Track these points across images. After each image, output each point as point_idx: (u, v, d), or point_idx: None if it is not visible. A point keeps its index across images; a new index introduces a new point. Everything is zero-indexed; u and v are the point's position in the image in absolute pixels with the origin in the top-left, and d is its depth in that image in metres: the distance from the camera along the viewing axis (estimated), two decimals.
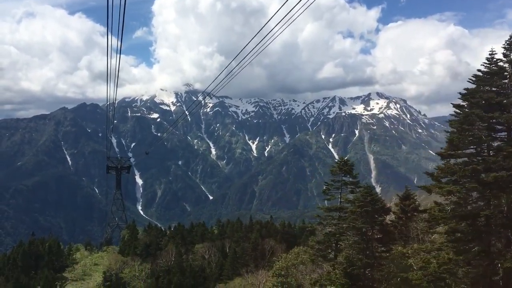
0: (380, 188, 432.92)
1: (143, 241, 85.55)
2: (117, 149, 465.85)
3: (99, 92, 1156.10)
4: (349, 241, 32.17)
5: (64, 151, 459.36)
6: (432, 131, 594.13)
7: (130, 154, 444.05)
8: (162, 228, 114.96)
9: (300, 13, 15.91)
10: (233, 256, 69.57)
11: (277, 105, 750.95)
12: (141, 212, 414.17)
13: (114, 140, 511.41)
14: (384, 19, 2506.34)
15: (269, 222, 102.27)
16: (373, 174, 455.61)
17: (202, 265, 70.84)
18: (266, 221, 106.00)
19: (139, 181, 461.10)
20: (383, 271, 29.36)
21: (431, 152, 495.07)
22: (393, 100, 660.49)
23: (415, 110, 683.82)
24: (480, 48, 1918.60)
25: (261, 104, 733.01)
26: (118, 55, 18.48)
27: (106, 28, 15.15)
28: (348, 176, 39.35)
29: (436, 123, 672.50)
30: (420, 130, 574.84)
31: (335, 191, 39.78)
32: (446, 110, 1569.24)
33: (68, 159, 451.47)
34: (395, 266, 30.35)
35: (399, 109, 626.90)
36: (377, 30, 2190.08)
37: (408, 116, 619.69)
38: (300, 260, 46.53)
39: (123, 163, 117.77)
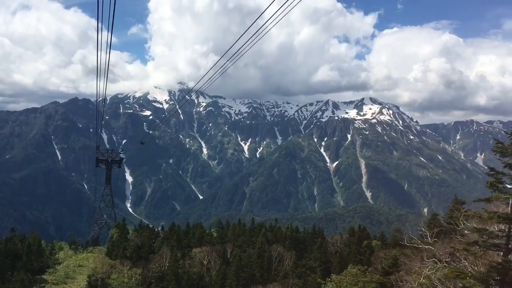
0: (370, 193, 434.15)
1: (133, 242, 77.88)
2: (108, 145, 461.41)
3: (92, 87, 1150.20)
4: None
5: (54, 145, 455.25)
6: (424, 138, 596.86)
7: (121, 155, 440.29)
8: (154, 227, 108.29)
9: (290, 10, 15.75)
10: (238, 264, 62.25)
11: (270, 106, 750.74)
12: (130, 210, 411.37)
13: (105, 136, 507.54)
14: (381, 25, 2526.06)
15: (275, 226, 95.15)
16: (364, 179, 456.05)
17: (200, 272, 64.52)
18: (270, 224, 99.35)
19: (129, 178, 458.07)
20: None
21: (422, 159, 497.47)
22: (386, 106, 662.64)
23: (407, 116, 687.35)
24: (474, 58, 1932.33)
25: (255, 105, 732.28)
26: (108, 49, 18.52)
27: (97, 21, 15.06)
28: None
29: (428, 130, 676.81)
30: (411, 137, 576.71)
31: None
32: (438, 117, 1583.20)
33: (58, 153, 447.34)
34: None
35: (391, 115, 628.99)
36: (373, 36, 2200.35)
37: (401, 122, 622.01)
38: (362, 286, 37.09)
39: (114, 156, 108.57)
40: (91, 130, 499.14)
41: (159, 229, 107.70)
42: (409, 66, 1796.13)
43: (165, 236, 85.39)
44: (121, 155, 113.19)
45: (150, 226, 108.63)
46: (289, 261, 65.47)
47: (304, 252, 73.26)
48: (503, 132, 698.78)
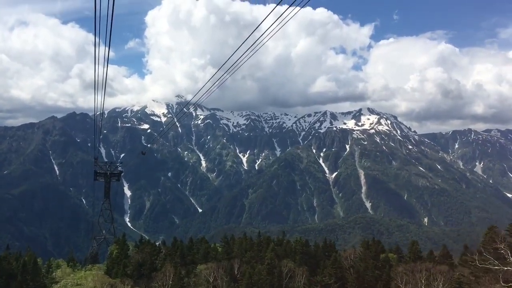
0: (370, 203, 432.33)
1: (134, 259, 74.18)
2: (106, 160, 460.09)
3: (90, 102, 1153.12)
4: None
5: (52, 160, 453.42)
6: (422, 147, 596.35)
7: (119, 168, 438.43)
8: (154, 242, 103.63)
9: (285, 22, 16.23)
10: (247, 282, 59.05)
11: (268, 118, 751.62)
12: (129, 224, 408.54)
13: (103, 150, 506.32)
14: (377, 36, 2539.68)
15: (283, 239, 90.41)
16: (363, 189, 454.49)
17: None
18: (277, 237, 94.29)
19: (128, 192, 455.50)
20: None
21: (421, 168, 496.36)
22: (384, 116, 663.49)
23: (405, 126, 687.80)
24: (470, 67, 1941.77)
25: (253, 117, 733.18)
26: (106, 63, 18.73)
27: (94, 36, 15.44)
28: None
29: (426, 140, 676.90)
30: (410, 147, 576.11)
31: None
32: (436, 127, 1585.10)
33: (56, 168, 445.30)
34: None
35: (389, 125, 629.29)
36: (369, 47, 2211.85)
37: (399, 132, 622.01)
38: None
39: (112, 169, 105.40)
40: (89, 144, 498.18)
41: (159, 244, 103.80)
42: (406, 76, 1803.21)
43: (167, 252, 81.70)
44: (120, 168, 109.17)
45: (151, 241, 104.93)
46: (301, 277, 62.22)
47: (316, 267, 70.03)
48: (501, 140, 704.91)
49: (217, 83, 22.57)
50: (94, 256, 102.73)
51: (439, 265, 60.18)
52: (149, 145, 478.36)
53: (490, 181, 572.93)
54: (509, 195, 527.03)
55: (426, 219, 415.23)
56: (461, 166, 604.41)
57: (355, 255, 72.89)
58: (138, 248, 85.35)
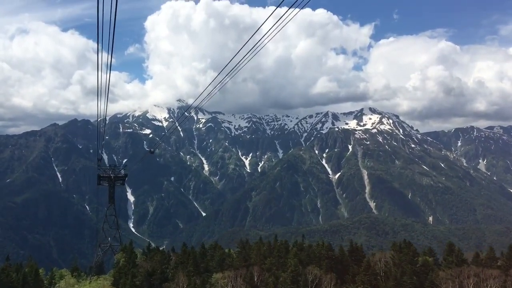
0: (374, 203, 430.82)
1: (143, 268, 69.51)
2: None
3: (92, 108, 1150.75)
4: None
5: (55, 167, 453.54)
6: (425, 146, 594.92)
7: (121, 172, 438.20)
8: (161, 248, 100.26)
9: (285, 24, 16.44)
10: None
11: (270, 120, 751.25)
12: (133, 230, 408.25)
13: (105, 156, 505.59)
14: (377, 36, 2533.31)
15: (307, 244, 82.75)
16: (367, 189, 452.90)
17: None
18: (297, 242, 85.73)
19: (131, 198, 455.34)
20: None
21: (424, 167, 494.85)
22: (386, 116, 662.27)
23: (408, 125, 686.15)
24: (471, 64, 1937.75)
25: (254, 119, 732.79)
26: (108, 70, 19.67)
27: (97, 43, 15.56)
28: None
29: (428, 138, 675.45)
30: (413, 145, 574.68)
31: None
32: (439, 125, 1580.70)
33: (59, 175, 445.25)
34: None
35: (391, 125, 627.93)
36: (370, 47, 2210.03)
37: (401, 131, 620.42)
38: None
39: (117, 173, 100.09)
40: (91, 151, 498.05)
41: (169, 251, 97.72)
42: (407, 75, 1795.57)
43: (178, 260, 76.06)
44: (123, 171, 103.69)
45: (157, 247, 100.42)
46: (328, 285, 57.37)
47: (343, 274, 63.95)
48: (504, 137, 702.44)
49: (218, 86, 22.71)
50: (99, 265, 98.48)
51: (489, 269, 54.71)
52: (155, 145, 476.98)
53: (494, 178, 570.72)
54: None
55: (431, 218, 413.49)
56: (465, 164, 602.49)
57: (385, 259, 67.62)
58: (147, 256, 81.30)
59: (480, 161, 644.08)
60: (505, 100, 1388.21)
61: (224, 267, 69.95)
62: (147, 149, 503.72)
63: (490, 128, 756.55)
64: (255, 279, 61.54)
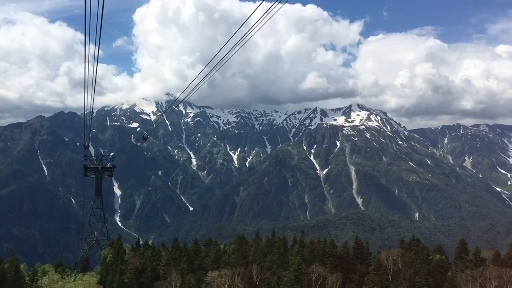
0: (361, 199, 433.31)
1: (133, 265, 65.36)
2: (94, 159, 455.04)
3: (79, 101, 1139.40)
4: None
5: (40, 160, 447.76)
6: (412, 143, 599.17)
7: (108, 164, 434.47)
8: (148, 242, 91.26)
9: (272, 15, 16.55)
10: None
11: (258, 115, 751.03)
12: (119, 224, 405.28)
13: (92, 149, 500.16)
14: (366, 33, 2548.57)
15: (301, 238, 78.51)
16: (354, 185, 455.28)
17: None
18: (296, 238, 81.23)
19: (118, 192, 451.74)
20: None
21: (411, 164, 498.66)
22: (374, 112, 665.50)
23: (395, 122, 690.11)
24: (459, 63, 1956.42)
25: (243, 114, 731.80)
26: (96, 62, 19.79)
27: (84, 34, 15.54)
28: None
29: (415, 135, 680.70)
30: (400, 142, 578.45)
31: None
32: (426, 122, 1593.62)
33: (44, 168, 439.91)
34: None
35: (379, 121, 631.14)
36: (359, 44, 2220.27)
37: (389, 128, 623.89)
38: None
39: (104, 163, 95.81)
40: (77, 143, 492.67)
41: (151, 243, 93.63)
42: (395, 72, 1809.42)
43: (170, 257, 71.57)
44: (113, 161, 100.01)
45: (146, 242, 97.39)
46: (335, 285, 53.96)
47: (348, 272, 60.41)
48: (489, 135, 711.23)
49: (205, 78, 22.92)
50: (85, 260, 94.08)
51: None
52: (138, 144, 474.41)
53: (479, 176, 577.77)
54: (498, 189, 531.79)
55: (417, 214, 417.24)
56: (451, 161, 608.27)
57: (393, 257, 63.28)
58: (136, 252, 77.11)
59: (466, 158, 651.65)
60: (491, 99, 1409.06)
61: (220, 264, 66.61)
62: (135, 143, 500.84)
63: (476, 126, 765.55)
64: (254, 278, 58.42)
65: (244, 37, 17.88)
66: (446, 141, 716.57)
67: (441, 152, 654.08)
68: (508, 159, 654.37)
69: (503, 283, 45.47)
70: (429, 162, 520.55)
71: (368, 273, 56.06)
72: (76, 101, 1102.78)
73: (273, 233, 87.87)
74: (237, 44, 18.15)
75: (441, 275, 53.27)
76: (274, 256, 65.81)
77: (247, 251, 71.97)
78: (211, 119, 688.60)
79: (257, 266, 61.52)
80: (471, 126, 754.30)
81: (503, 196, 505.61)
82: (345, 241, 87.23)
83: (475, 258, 56.60)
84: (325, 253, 64.51)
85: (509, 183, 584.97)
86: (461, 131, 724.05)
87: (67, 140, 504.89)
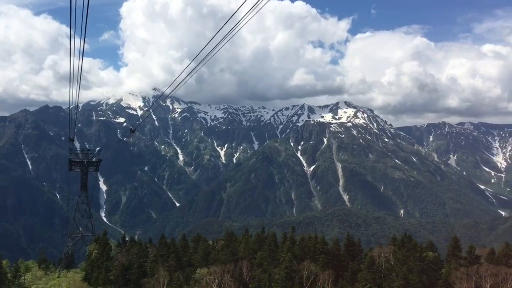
0: (347, 196, 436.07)
1: (119, 261, 63.51)
2: (80, 155, 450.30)
3: (64, 95, 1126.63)
4: None
5: (25, 154, 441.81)
6: (398, 140, 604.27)
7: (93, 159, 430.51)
8: (133, 237, 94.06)
9: (260, 9, 16.47)
10: None
11: (246, 112, 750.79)
12: (105, 219, 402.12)
13: (77, 144, 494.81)
14: (354, 30, 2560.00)
15: (291, 235, 76.15)
16: (341, 182, 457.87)
17: None
18: (286, 235, 78.83)
19: (103, 187, 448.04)
20: None
21: (397, 161, 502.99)
22: (361, 110, 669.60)
23: (382, 119, 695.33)
24: (445, 61, 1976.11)
25: (230, 110, 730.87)
26: (81, 55, 19.40)
27: (69, 28, 15.38)
28: None
29: (401, 133, 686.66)
30: (386, 140, 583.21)
31: None
32: (412, 120, 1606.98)
33: (29, 163, 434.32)
34: None
35: (366, 119, 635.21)
36: (347, 41, 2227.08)
37: (375, 125, 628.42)
38: None
39: (90, 157, 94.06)
40: (62, 138, 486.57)
41: (137, 239, 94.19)
42: (383, 70, 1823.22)
43: (157, 253, 69.69)
44: (99, 155, 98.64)
45: (133, 237, 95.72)
46: (325, 282, 52.57)
47: (340, 270, 59.20)
48: (474, 133, 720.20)
49: (192, 72, 22.81)
50: (69, 256, 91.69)
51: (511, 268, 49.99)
52: (124, 139, 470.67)
53: (464, 173, 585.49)
54: (481, 186, 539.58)
55: (402, 211, 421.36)
56: (436, 159, 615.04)
57: (385, 254, 62.45)
58: (122, 248, 75.12)
59: (451, 156, 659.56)
60: (476, 97, 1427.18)
61: (209, 261, 65.21)
62: (121, 138, 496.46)
63: (461, 124, 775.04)
64: (244, 275, 57.06)
65: (232, 30, 17.72)
66: (431, 139, 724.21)
67: (426, 150, 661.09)
68: (492, 157, 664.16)
69: (498, 281, 44.95)
70: (414, 159, 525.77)
71: (360, 271, 55.31)
72: (62, 95, 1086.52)
73: (262, 229, 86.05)
74: (224, 37, 18.00)
75: (434, 273, 52.61)
76: (264, 252, 64.63)
77: (237, 247, 70.62)
78: (199, 115, 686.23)
79: (247, 263, 60.57)
80: (456, 124, 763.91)
81: (487, 193, 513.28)
82: (336, 238, 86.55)
83: (470, 256, 56.26)
84: (316, 250, 63.38)
85: (492, 181, 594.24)
86: (446, 129, 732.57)
87: (52, 134, 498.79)
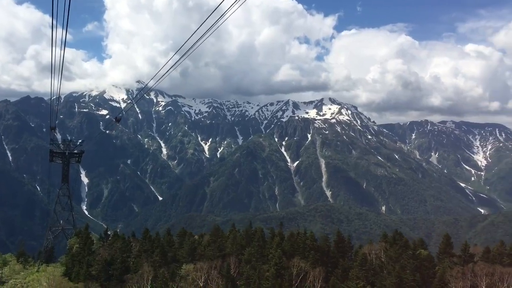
0: (330, 192, 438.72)
1: (101, 256, 61.27)
2: (61, 146, 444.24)
3: (46, 86, 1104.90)
4: None
5: (5, 145, 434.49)
6: (381, 137, 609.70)
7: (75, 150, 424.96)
8: (116, 231, 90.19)
9: (244, 1, 16.53)
10: (253, 286, 48.38)
11: (231, 106, 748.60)
12: (86, 212, 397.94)
13: (59, 136, 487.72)
14: (340, 27, 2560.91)
15: (282, 232, 74.45)
16: (324, 178, 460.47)
17: None
18: (274, 230, 76.76)
19: (85, 180, 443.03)
20: None
21: (380, 158, 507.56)
22: (345, 106, 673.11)
23: (365, 116, 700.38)
24: (428, 60, 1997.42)
25: (215, 104, 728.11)
26: (63, 46, 19.02)
27: (51, 17, 15.13)
28: None
29: (384, 130, 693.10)
30: (369, 137, 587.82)
31: None
32: (395, 118, 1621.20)
33: (9, 154, 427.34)
34: None
35: (350, 115, 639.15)
36: (332, 38, 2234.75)
37: (359, 122, 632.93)
38: None
39: (72, 148, 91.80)
40: (44, 129, 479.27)
41: (119, 232, 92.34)
42: (367, 67, 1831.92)
43: (141, 248, 67.42)
44: (81, 147, 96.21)
45: (115, 231, 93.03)
46: (317, 280, 51.29)
47: (329, 267, 58.27)
48: (456, 132, 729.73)
49: (175, 65, 22.97)
50: (49, 250, 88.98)
51: (506, 267, 49.41)
52: (107, 131, 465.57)
53: (445, 171, 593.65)
54: (462, 184, 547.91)
55: (384, 208, 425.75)
56: (418, 156, 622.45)
57: (376, 251, 62.01)
58: (104, 243, 73.00)
59: (432, 154, 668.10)
60: (458, 96, 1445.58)
61: (195, 257, 63.47)
62: (103, 130, 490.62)
63: (443, 122, 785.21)
64: (232, 271, 55.89)
65: (216, 23, 17.82)
66: (413, 137, 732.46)
67: (408, 147, 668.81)
68: (472, 155, 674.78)
69: (494, 280, 44.47)
70: (397, 156, 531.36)
71: (351, 268, 54.71)
72: (44, 86, 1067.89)
73: (250, 224, 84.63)
74: (209, 30, 18.11)
75: (428, 271, 52.07)
76: (253, 248, 63.26)
77: (224, 243, 69.25)
78: (183, 109, 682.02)
79: (234, 259, 59.66)
80: (438, 123, 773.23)
81: (467, 191, 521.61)
82: (326, 234, 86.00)
83: (464, 254, 55.88)
84: (306, 247, 62.25)
85: (472, 179, 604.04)
86: (429, 127, 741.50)
87: (33, 125, 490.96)
